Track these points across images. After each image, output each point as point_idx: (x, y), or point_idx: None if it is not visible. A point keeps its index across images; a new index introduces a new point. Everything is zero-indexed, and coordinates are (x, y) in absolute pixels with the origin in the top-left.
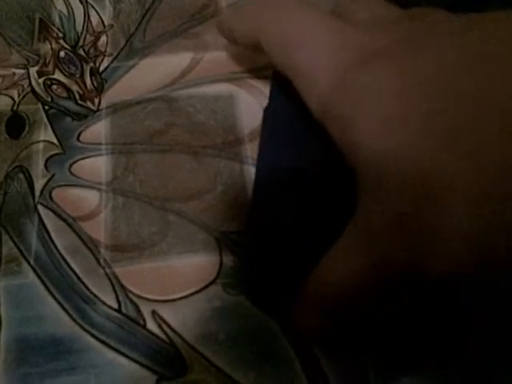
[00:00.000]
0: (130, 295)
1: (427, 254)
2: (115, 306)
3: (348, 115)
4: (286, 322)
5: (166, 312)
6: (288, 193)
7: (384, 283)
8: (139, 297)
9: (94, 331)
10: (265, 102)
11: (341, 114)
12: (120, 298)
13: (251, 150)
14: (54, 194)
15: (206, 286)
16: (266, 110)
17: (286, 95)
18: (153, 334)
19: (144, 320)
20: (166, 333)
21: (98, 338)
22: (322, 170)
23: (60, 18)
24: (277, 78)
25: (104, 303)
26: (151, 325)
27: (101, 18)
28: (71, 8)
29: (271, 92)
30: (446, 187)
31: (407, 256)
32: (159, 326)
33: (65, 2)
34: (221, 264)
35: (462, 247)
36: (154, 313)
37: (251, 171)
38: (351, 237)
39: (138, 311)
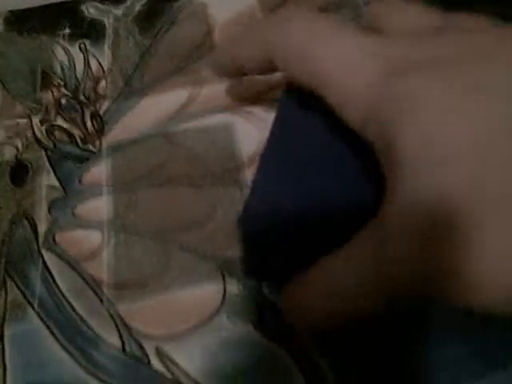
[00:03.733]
0: (134, 333)
1: (453, 276)
2: (119, 345)
3: (395, 124)
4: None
5: (170, 348)
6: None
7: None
8: (142, 334)
9: (98, 373)
10: (262, 127)
11: (386, 124)
12: (123, 337)
13: (251, 175)
14: (57, 237)
15: (211, 317)
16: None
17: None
18: (157, 372)
19: (148, 358)
20: (170, 370)
21: (102, 381)
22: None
23: (61, 66)
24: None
25: (107, 343)
26: (155, 362)
27: (100, 63)
28: (71, 56)
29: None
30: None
31: (429, 274)
32: (163, 363)
33: (65, 52)
34: (224, 292)
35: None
36: (157, 350)
37: None
38: (363, 243)
39: (142, 349)
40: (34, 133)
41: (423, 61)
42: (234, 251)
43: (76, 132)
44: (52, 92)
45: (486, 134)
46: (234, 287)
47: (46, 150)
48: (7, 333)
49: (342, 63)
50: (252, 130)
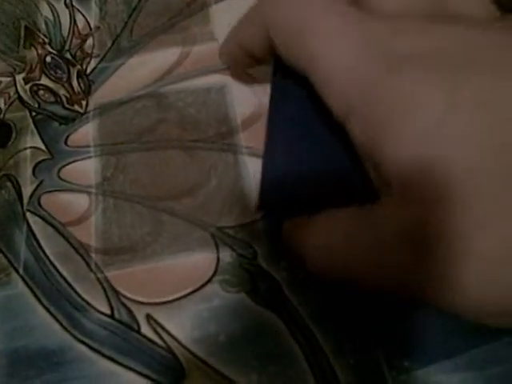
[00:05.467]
0: (123, 299)
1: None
2: (108, 311)
3: (381, 121)
4: None
5: (161, 315)
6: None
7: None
8: (132, 300)
9: (86, 340)
10: (258, 89)
11: (370, 119)
12: (112, 303)
13: (245, 139)
14: (42, 200)
15: (203, 285)
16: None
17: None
18: (148, 339)
19: (138, 325)
20: (161, 337)
21: (90, 347)
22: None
23: (46, 23)
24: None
25: (96, 309)
26: (146, 329)
27: (87, 20)
28: (57, 13)
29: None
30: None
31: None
32: (154, 330)
33: (50, 7)
34: (218, 260)
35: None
36: (148, 316)
37: (246, 161)
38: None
39: (132, 316)
40: (17, 92)
41: (424, 51)
42: (228, 219)
43: (62, 92)
44: (36, 49)
45: (493, 137)
46: (227, 255)
47: (30, 110)
48: None
49: (329, 42)
50: (247, 92)
